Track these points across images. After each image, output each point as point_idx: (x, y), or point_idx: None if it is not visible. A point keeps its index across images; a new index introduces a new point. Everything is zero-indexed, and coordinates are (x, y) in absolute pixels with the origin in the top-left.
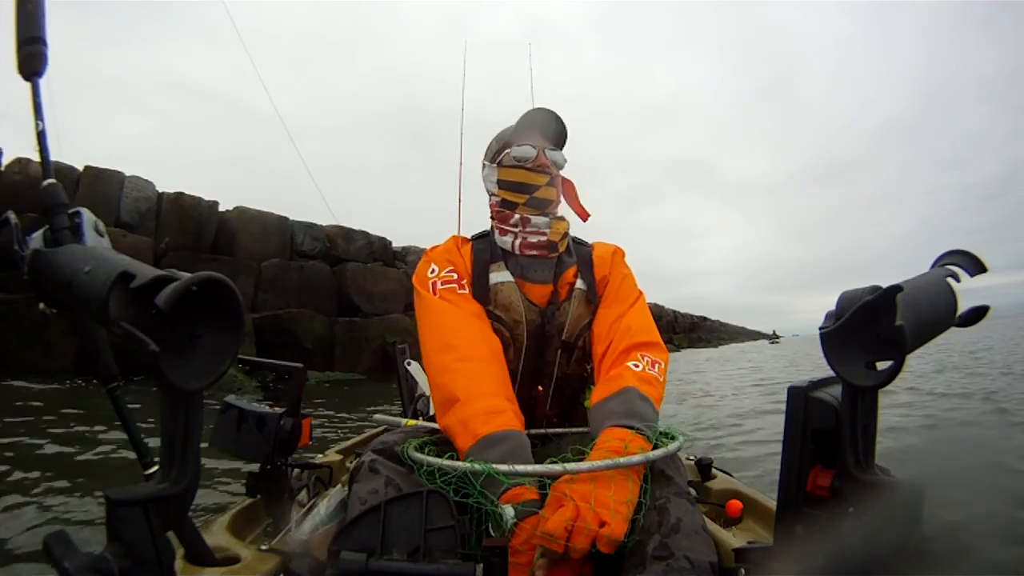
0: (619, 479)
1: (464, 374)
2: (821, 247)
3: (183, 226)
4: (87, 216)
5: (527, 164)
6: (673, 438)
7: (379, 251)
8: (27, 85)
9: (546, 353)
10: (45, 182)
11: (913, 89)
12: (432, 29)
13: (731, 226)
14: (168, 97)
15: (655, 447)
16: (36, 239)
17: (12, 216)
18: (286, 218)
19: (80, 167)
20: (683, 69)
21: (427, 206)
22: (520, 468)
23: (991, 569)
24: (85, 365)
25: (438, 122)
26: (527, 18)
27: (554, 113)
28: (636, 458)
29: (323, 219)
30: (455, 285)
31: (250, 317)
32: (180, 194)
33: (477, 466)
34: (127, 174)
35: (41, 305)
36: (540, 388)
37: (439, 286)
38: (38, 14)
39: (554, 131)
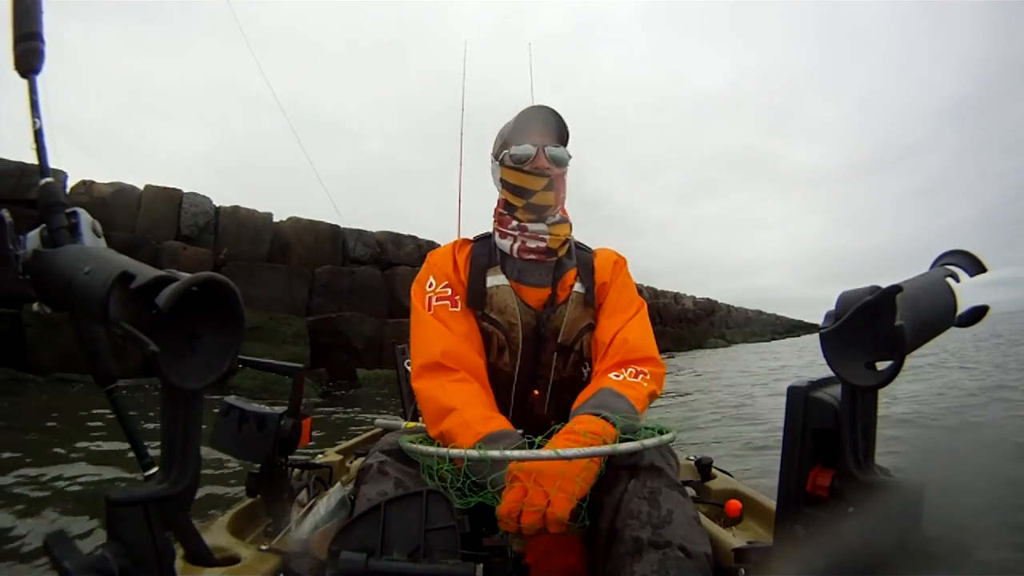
0: None
1: (455, 390)
2: (879, 236)
3: (240, 237)
4: (84, 216)
5: (525, 166)
6: (663, 432)
7: (428, 254)
8: (24, 82)
9: (541, 356)
10: (42, 180)
11: (970, 70)
12: (482, 29)
13: (788, 217)
14: (221, 105)
15: (623, 435)
16: (33, 238)
17: (6, 214)
18: (337, 226)
19: (141, 185)
20: (735, 58)
21: (477, 207)
22: (512, 453)
23: (991, 569)
24: (149, 367)
25: (493, 121)
26: (576, 13)
27: (551, 109)
28: (632, 445)
29: (374, 224)
30: (448, 302)
31: (304, 320)
32: (236, 207)
33: (472, 452)
34: (185, 191)
35: (35, 306)
36: (536, 392)
37: (434, 302)
38: (35, 10)
39: (554, 127)
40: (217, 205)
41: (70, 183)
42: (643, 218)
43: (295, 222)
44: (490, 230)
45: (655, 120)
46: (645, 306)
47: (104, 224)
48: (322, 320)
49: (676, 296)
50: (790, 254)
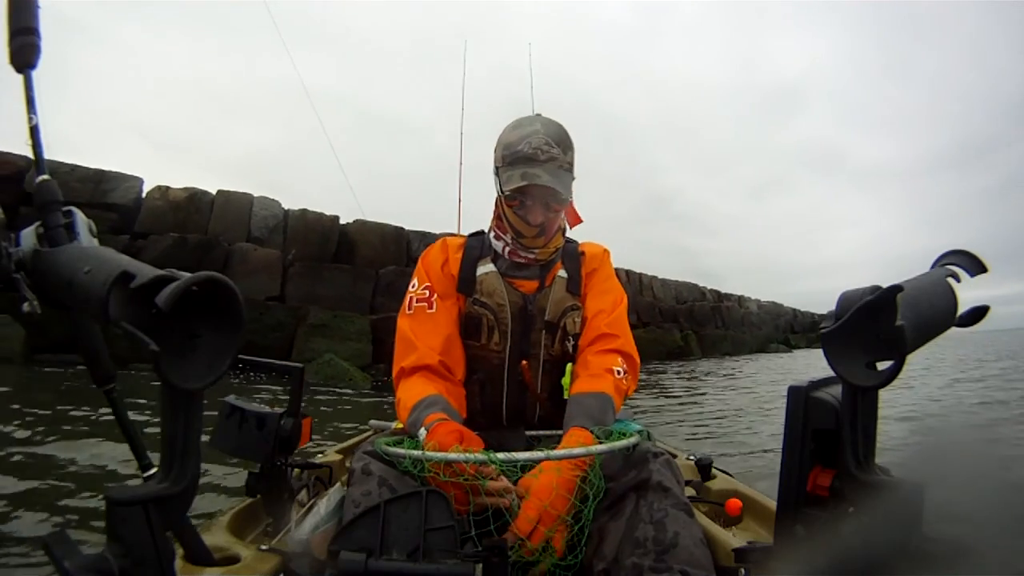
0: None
1: (405, 385)
2: (956, 236)
3: (307, 239)
4: (80, 216)
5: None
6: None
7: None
8: (19, 78)
9: (530, 334)
10: (39, 178)
11: None
12: (543, 22)
13: (862, 215)
14: (292, 105)
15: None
16: (28, 236)
17: None
18: (402, 228)
19: (213, 190)
20: (806, 48)
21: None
22: (518, 455)
23: (991, 569)
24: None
25: (546, 111)
26: (640, 3)
27: (553, 147)
28: (621, 443)
29: (438, 226)
30: (425, 304)
31: (367, 318)
32: (304, 211)
33: (480, 456)
34: (255, 195)
35: (25, 305)
36: (525, 362)
37: (414, 303)
38: (32, 5)
39: (557, 162)
40: (286, 208)
41: (145, 188)
42: (714, 215)
43: (361, 224)
44: (486, 228)
45: (725, 113)
46: (626, 299)
47: (179, 227)
48: (384, 318)
49: (740, 299)
50: (866, 255)
